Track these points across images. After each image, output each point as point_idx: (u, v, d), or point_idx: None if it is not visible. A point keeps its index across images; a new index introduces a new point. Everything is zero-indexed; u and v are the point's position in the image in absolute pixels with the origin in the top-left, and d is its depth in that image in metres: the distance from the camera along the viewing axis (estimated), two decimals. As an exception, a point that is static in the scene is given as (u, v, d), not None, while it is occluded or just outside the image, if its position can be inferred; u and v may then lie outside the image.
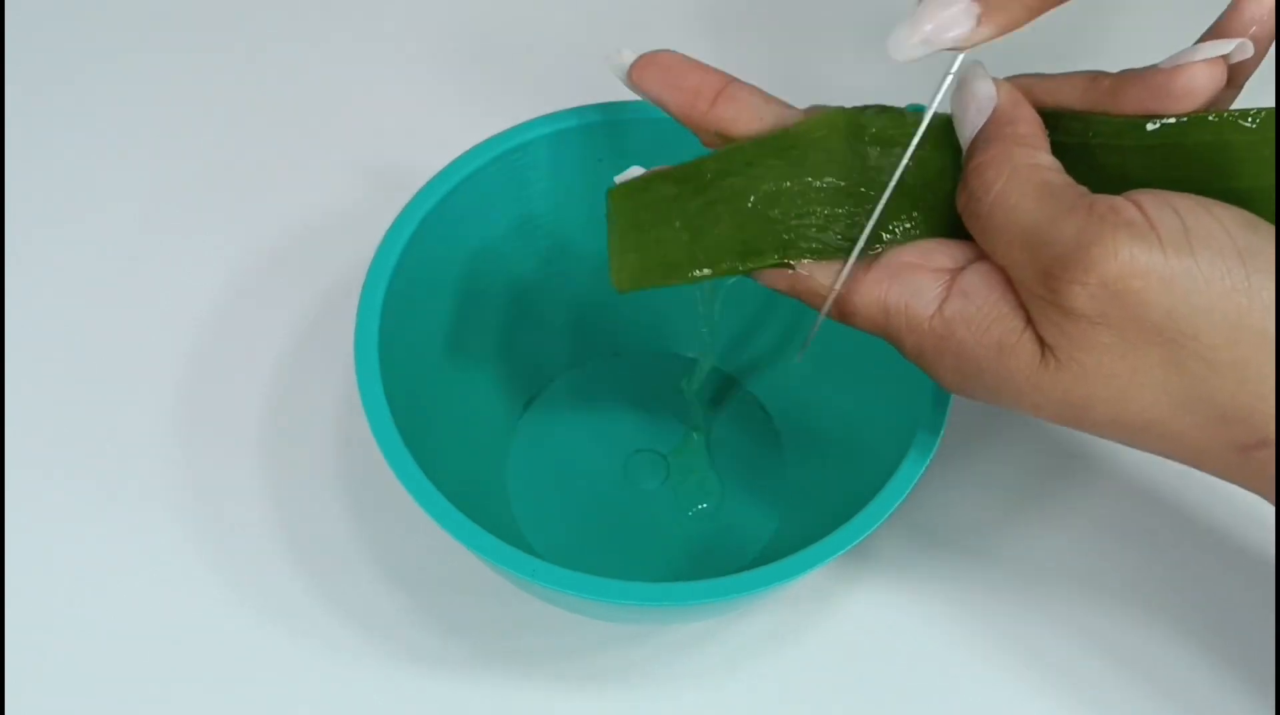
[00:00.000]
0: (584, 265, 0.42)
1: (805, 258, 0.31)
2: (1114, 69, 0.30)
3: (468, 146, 0.37)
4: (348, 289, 0.45)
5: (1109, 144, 0.30)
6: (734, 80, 0.32)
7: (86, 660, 0.39)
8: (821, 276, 0.31)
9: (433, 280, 0.38)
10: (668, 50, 0.32)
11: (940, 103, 0.30)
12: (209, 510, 0.41)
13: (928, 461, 0.33)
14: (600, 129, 0.38)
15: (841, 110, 0.31)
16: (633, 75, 0.32)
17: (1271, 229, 0.27)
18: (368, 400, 0.33)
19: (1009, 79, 0.31)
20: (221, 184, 0.48)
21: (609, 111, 0.38)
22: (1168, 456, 0.29)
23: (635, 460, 0.43)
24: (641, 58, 0.32)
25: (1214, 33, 0.29)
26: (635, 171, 0.33)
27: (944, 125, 0.31)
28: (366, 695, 0.38)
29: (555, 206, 0.40)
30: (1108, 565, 0.41)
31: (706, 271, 0.32)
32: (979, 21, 0.28)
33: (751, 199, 0.31)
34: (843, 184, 0.31)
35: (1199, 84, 0.28)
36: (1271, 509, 0.41)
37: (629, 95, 0.38)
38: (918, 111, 0.32)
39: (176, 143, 0.49)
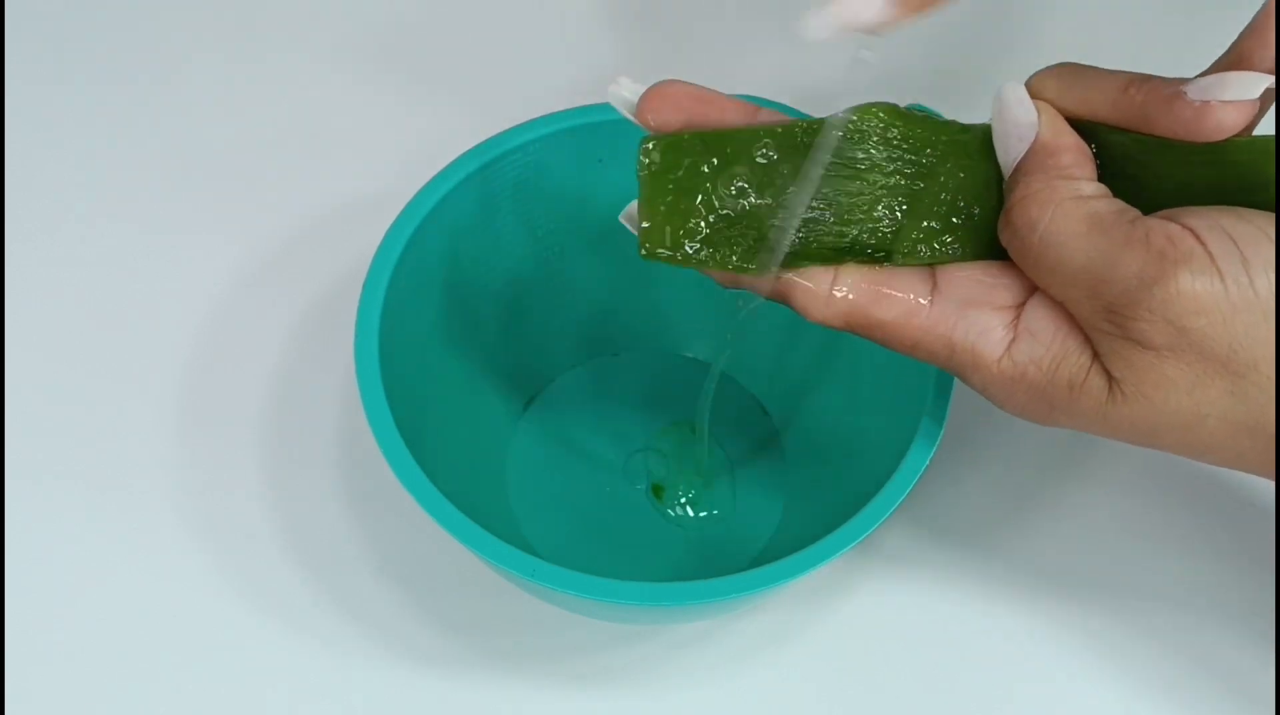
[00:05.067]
0: (584, 265, 0.42)
1: (849, 260, 0.30)
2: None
3: (468, 146, 0.37)
4: (348, 289, 0.45)
5: (1140, 158, 0.30)
6: (760, 109, 0.31)
7: (86, 659, 0.39)
8: (865, 291, 0.30)
9: (433, 280, 0.38)
10: (676, 81, 0.31)
11: (851, 86, 0.29)
12: (209, 509, 0.41)
13: (928, 459, 0.33)
14: (600, 129, 0.38)
15: (888, 105, 0.30)
16: (645, 114, 0.31)
17: None
18: (368, 400, 0.33)
19: (1046, 71, 0.30)
20: (222, 184, 0.48)
21: (609, 111, 0.38)
22: (1229, 467, 0.29)
23: (635, 460, 0.43)
24: (650, 93, 0.31)
25: (1246, 42, 0.29)
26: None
27: (986, 135, 0.31)
28: (365, 694, 0.38)
29: (555, 206, 0.40)
30: (1114, 561, 0.41)
31: (745, 264, 0.30)
32: (893, 3, 0.27)
33: (795, 191, 0.30)
34: (891, 182, 0.30)
35: (1230, 122, 0.28)
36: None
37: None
38: (958, 123, 0.31)
39: (176, 143, 0.49)
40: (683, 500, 0.42)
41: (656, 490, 0.42)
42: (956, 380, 0.33)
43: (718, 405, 0.44)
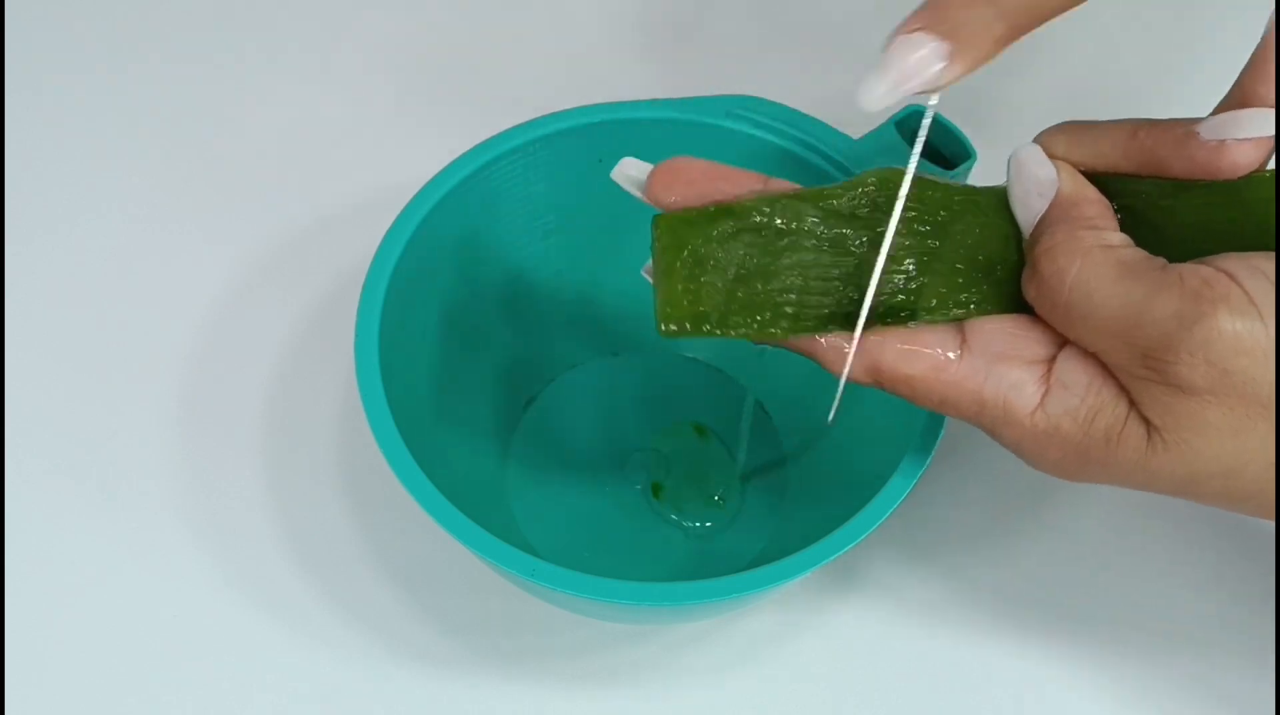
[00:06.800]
0: (584, 265, 0.42)
1: (881, 322, 0.30)
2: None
3: (468, 146, 0.37)
4: (348, 289, 0.45)
5: (1161, 204, 0.29)
6: (770, 179, 0.31)
7: (86, 659, 0.39)
8: (890, 353, 0.29)
9: (433, 280, 0.38)
10: (684, 158, 0.31)
11: (918, 152, 0.28)
12: (209, 510, 0.41)
13: (927, 462, 0.33)
14: (600, 129, 0.38)
15: (897, 169, 0.30)
16: (655, 189, 0.30)
17: None
18: (368, 400, 0.33)
19: (1052, 130, 0.30)
20: (222, 183, 0.48)
21: (609, 111, 0.38)
22: (1265, 518, 0.28)
23: (635, 460, 0.43)
24: (659, 169, 0.30)
25: (1248, 79, 0.28)
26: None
27: (999, 196, 0.31)
28: (366, 694, 0.38)
29: (555, 206, 0.40)
30: (1103, 582, 0.41)
31: (771, 330, 0.30)
32: (950, 60, 0.26)
33: (813, 256, 0.30)
34: (908, 243, 0.30)
35: (1245, 160, 0.28)
36: (1271, 524, 0.41)
37: (625, 95, 0.38)
38: (966, 185, 0.31)
39: (177, 144, 0.49)
40: (686, 509, 0.42)
41: (656, 489, 0.42)
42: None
43: (724, 411, 0.44)
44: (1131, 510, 0.42)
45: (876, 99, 0.26)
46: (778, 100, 0.38)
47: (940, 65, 0.26)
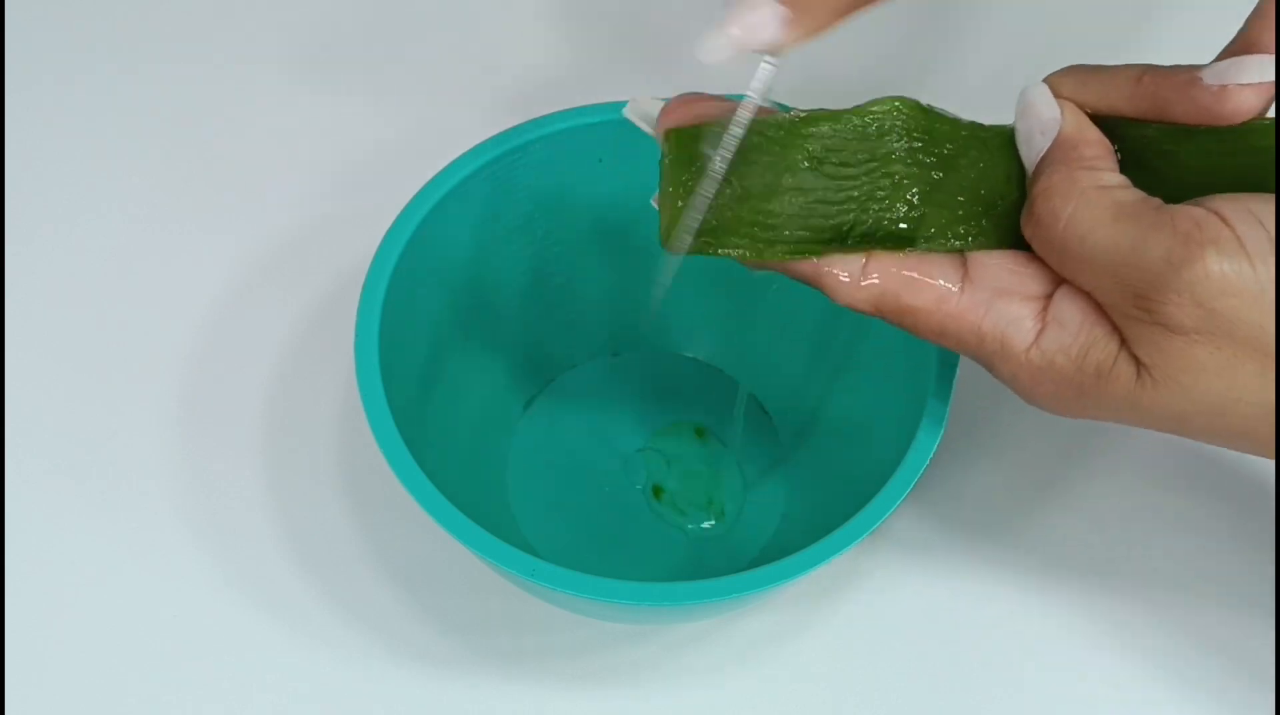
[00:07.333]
0: (583, 265, 0.42)
1: (880, 247, 0.30)
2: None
3: (468, 146, 0.37)
4: (348, 289, 0.45)
5: (1164, 149, 0.30)
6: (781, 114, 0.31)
7: (86, 659, 0.39)
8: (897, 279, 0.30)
9: (433, 280, 0.38)
10: (697, 93, 0.31)
11: (761, 95, 0.29)
12: (209, 509, 0.41)
13: (928, 461, 0.33)
14: (600, 129, 0.38)
15: (909, 100, 0.31)
16: (667, 124, 0.31)
17: None
18: (368, 400, 0.33)
19: (1060, 72, 0.31)
20: (222, 183, 0.48)
21: (609, 111, 0.38)
22: (1259, 455, 0.29)
23: (635, 460, 0.43)
24: (671, 105, 0.31)
25: (1254, 26, 0.29)
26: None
27: (1006, 134, 0.31)
28: (365, 694, 0.38)
29: (555, 206, 0.40)
30: (1124, 546, 0.41)
31: (768, 252, 0.30)
32: (787, 25, 0.27)
33: (816, 179, 0.30)
34: (912, 173, 0.31)
35: (1248, 105, 0.28)
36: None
37: (624, 96, 0.38)
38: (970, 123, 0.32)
39: (176, 143, 0.49)
40: (686, 510, 0.42)
41: (656, 490, 0.42)
42: (957, 371, 0.34)
43: (724, 411, 0.44)
44: (1143, 491, 0.42)
45: (713, 52, 0.27)
46: (777, 100, 0.38)
47: (776, 28, 0.27)
